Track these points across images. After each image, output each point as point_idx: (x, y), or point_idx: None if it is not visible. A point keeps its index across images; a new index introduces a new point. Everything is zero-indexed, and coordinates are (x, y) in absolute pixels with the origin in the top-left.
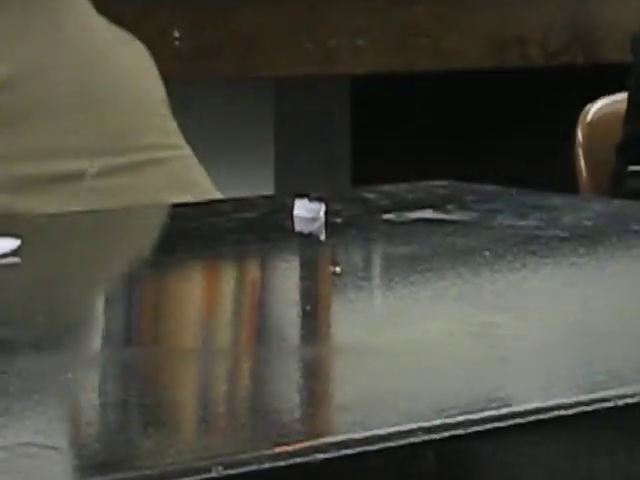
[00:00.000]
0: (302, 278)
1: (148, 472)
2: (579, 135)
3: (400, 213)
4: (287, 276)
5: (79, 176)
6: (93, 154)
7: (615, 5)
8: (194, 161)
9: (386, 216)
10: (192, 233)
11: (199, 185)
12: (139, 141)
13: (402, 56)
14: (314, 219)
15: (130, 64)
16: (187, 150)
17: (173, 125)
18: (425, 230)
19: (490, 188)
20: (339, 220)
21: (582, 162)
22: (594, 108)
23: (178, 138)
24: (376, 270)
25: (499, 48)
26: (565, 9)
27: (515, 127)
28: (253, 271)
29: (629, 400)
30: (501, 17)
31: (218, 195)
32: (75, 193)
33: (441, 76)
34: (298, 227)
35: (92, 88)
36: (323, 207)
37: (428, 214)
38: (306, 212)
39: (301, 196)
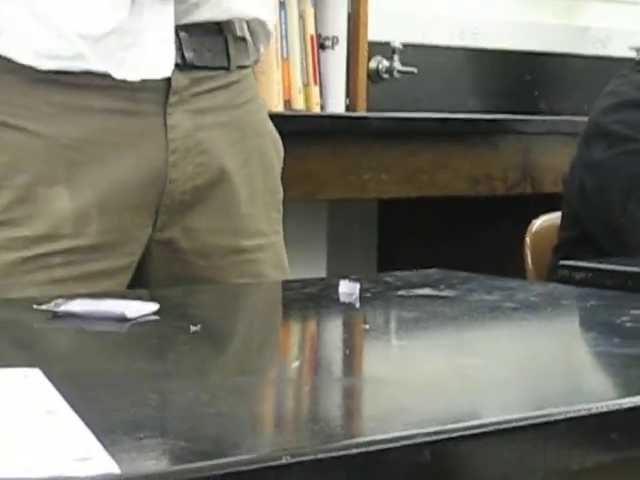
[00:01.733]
0: (343, 332)
1: (238, 458)
2: (527, 240)
3: (409, 290)
4: (334, 331)
5: (238, 251)
6: (257, 234)
7: (552, 154)
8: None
9: (399, 292)
10: (276, 302)
11: (284, 262)
12: (273, 227)
13: (411, 187)
14: (352, 294)
15: (275, 162)
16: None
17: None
18: (425, 302)
19: (467, 274)
20: (369, 294)
21: (529, 258)
22: (538, 222)
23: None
24: (392, 328)
25: (474, 183)
26: (518, 156)
27: (485, 235)
28: (312, 327)
29: (558, 417)
30: (476, 162)
31: (289, 270)
32: (232, 265)
33: (437, 200)
34: (341, 299)
35: (267, 183)
36: (358, 286)
37: (427, 291)
38: (347, 289)
39: (343, 278)
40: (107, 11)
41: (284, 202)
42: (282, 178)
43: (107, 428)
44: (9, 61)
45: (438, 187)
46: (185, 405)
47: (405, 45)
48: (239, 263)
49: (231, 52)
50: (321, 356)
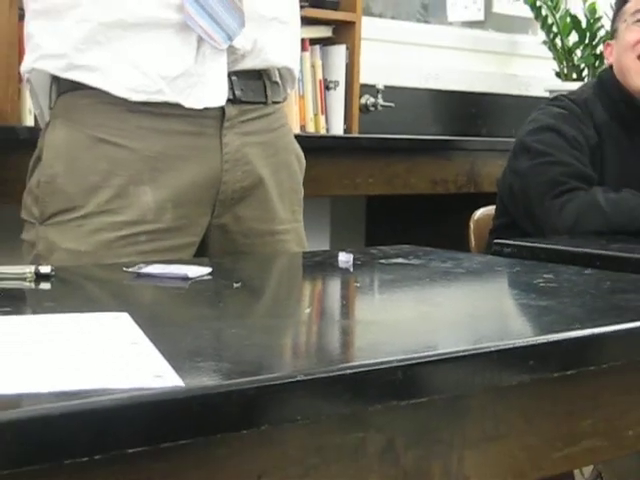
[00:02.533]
0: (341, 288)
1: (267, 376)
2: (471, 225)
3: (388, 259)
4: (334, 287)
5: (272, 233)
6: (284, 221)
7: (489, 164)
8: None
9: (381, 261)
10: (294, 267)
11: (304, 242)
12: (296, 217)
13: (390, 187)
14: (347, 261)
15: (298, 170)
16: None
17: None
18: (399, 268)
19: (429, 249)
20: (359, 262)
21: (472, 239)
22: (478, 212)
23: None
24: (376, 285)
25: (434, 184)
26: (465, 166)
27: (442, 221)
28: (319, 284)
29: (492, 349)
30: (436, 169)
31: (307, 247)
32: (267, 243)
33: (408, 197)
34: (340, 265)
35: (292, 185)
36: (352, 256)
37: (400, 260)
38: (344, 258)
39: (341, 250)
40: (179, 59)
41: None
42: None
43: (175, 354)
44: (107, 94)
45: (409, 187)
46: (230, 338)
47: (386, 87)
48: (272, 242)
49: (268, 92)
50: (325, 305)
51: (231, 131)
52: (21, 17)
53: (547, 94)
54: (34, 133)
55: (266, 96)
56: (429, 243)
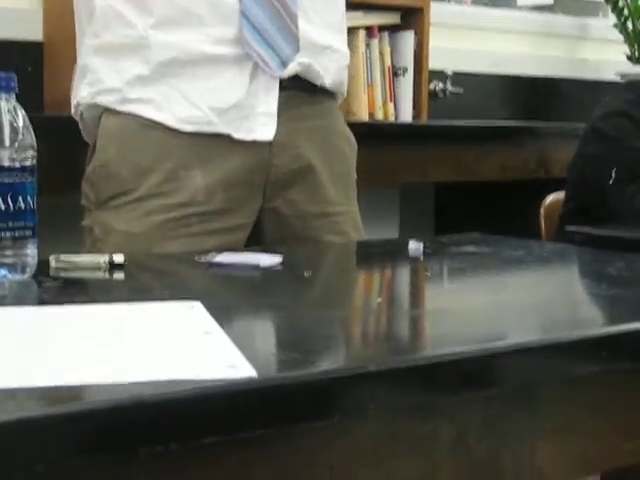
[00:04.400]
0: (411, 277)
1: (338, 366)
2: (542, 211)
3: (457, 248)
4: (404, 276)
5: (325, 215)
6: (337, 204)
7: (559, 149)
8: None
9: (451, 249)
10: (364, 256)
11: (360, 225)
12: (350, 200)
13: (459, 173)
14: (417, 250)
15: (350, 154)
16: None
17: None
18: (469, 256)
19: (499, 236)
20: (429, 251)
21: (543, 224)
22: (549, 198)
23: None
24: (446, 274)
25: (503, 170)
26: (535, 151)
27: (512, 208)
28: (389, 274)
29: (563, 339)
30: (505, 155)
31: (363, 230)
32: (321, 225)
33: (477, 183)
34: (410, 254)
35: (344, 169)
36: (421, 244)
37: (470, 248)
38: (414, 247)
39: (411, 239)
40: (231, 91)
41: (369, 186)
42: (367, 169)
43: (247, 344)
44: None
45: (478, 174)
46: (302, 328)
47: (455, 72)
48: (326, 224)
49: (316, 82)
50: (396, 294)
51: (279, 117)
52: None
53: (618, 78)
54: None
55: (314, 85)
56: (499, 230)
